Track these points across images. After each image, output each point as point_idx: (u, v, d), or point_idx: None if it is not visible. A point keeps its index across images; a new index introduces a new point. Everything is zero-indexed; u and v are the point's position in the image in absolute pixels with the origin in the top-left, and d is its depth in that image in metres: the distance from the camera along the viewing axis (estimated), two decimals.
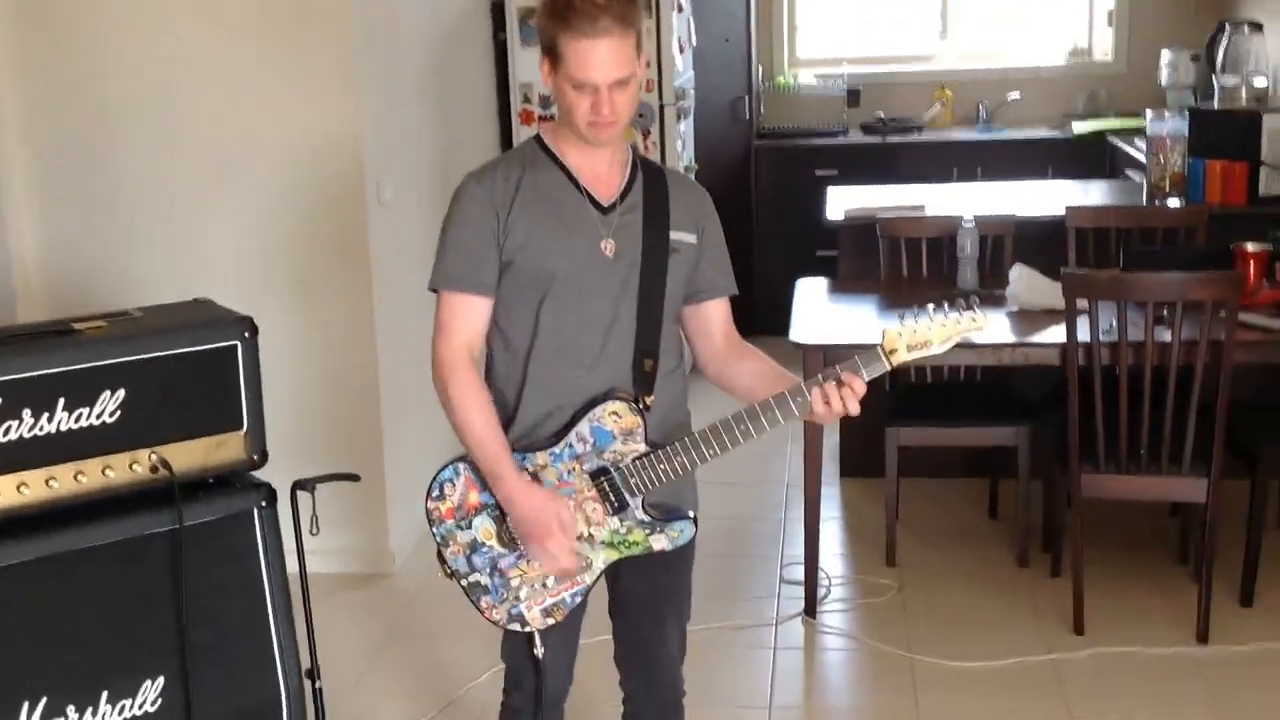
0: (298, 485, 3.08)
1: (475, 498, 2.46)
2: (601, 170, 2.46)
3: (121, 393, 2.47)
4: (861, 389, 2.35)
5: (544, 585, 2.46)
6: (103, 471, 2.47)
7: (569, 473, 2.43)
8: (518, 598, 2.47)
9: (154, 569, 2.52)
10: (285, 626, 2.67)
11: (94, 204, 4.23)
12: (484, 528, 2.46)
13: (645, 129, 5.71)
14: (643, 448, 2.42)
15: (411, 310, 4.61)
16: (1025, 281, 4.07)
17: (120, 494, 2.50)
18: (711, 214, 2.57)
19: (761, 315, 5.91)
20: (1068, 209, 4.55)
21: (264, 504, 2.63)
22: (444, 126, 5.11)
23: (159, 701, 2.53)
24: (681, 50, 5.98)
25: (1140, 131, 6.23)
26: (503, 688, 2.68)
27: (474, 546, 2.47)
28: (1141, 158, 5.78)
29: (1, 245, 4.18)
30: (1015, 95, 7.07)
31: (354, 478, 3.14)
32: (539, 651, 2.51)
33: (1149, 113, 4.90)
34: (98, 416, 2.46)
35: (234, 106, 4.13)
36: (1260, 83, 4.82)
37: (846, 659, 3.87)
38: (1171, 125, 4.65)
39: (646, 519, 2.45)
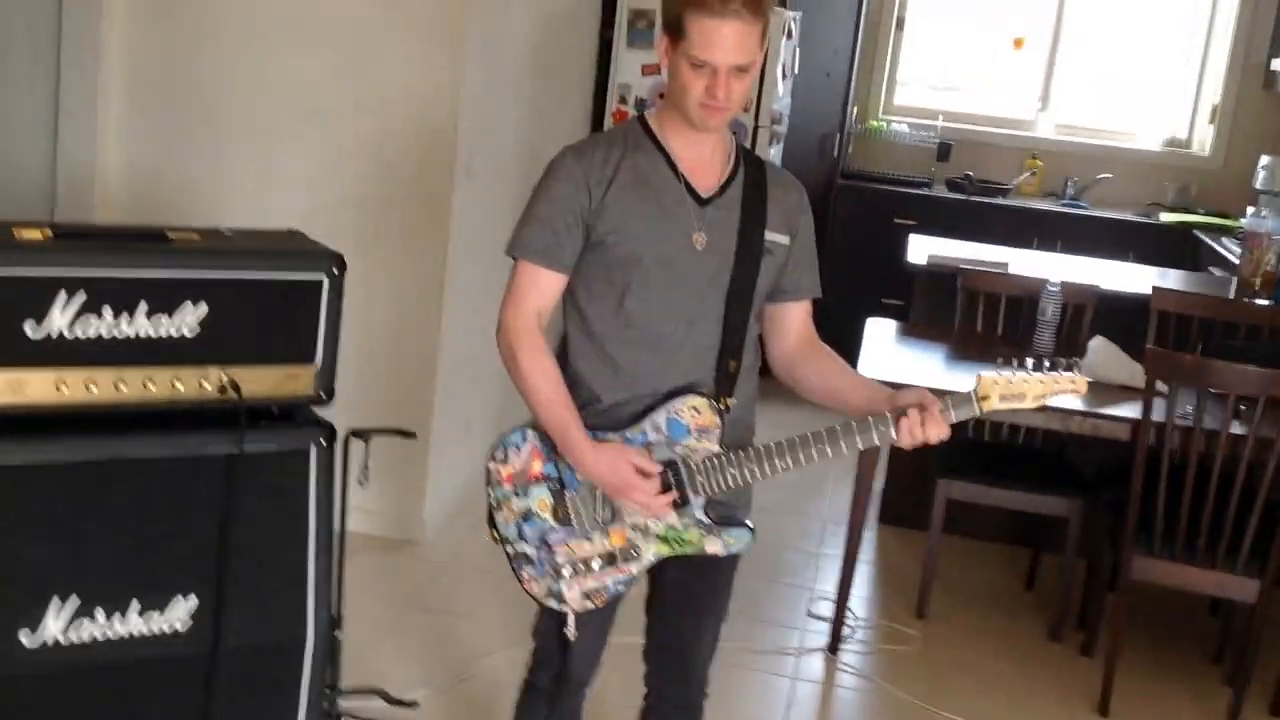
0: (354, 433, 3.07)
1: (538, 467, 2.42)
2: (704, 159, 2.42)
3: (204, 308, 2.45)
4: (946, 429, 2.31)
5: (589, 567, 2.42)
6: (172, 383, 2.45)
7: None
8: (560, 575, 2.43)
9: (204, 490, 2.50)
10: (323, 569, 2.63)
11: (185, 128, 4.24)
12: (540, 499, 2.42)
13: None
14: (715, 448, 2.38)
15: (481, 283, 4.63)
16: (1104, 354, 4.02)
17: (184, 409, 2.48)
18: (807, 212, 2.52)
19: None
20: (1154, 289, 4.48)
21: (323, 442, 2.60)
22: (539, 113, 5.11)
23: (189, 622, 2.50)
24: (784, 76, 5.96)
25: (1229, 231, 6.19)
26: (528, 664, 2.64)
27: (527, 516, 2.43)
28: (1230, 256, 5.74)
29: (88, 155, 4.19)
30: (1107, 175, 7.00)
31: (410, 435, 3.13)
32: (570, 633, 2.47)
33: (1249, 208, 4.84)
34: (176, 328, 2.44)
35: (339, 52, 4.13)
36: None
37: (864, 700, 3.80)
38: (1271, 223, 4.59)
39: (705, 520, 2.41)
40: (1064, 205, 6.93)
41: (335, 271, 2.56)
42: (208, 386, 2.48)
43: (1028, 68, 7.34)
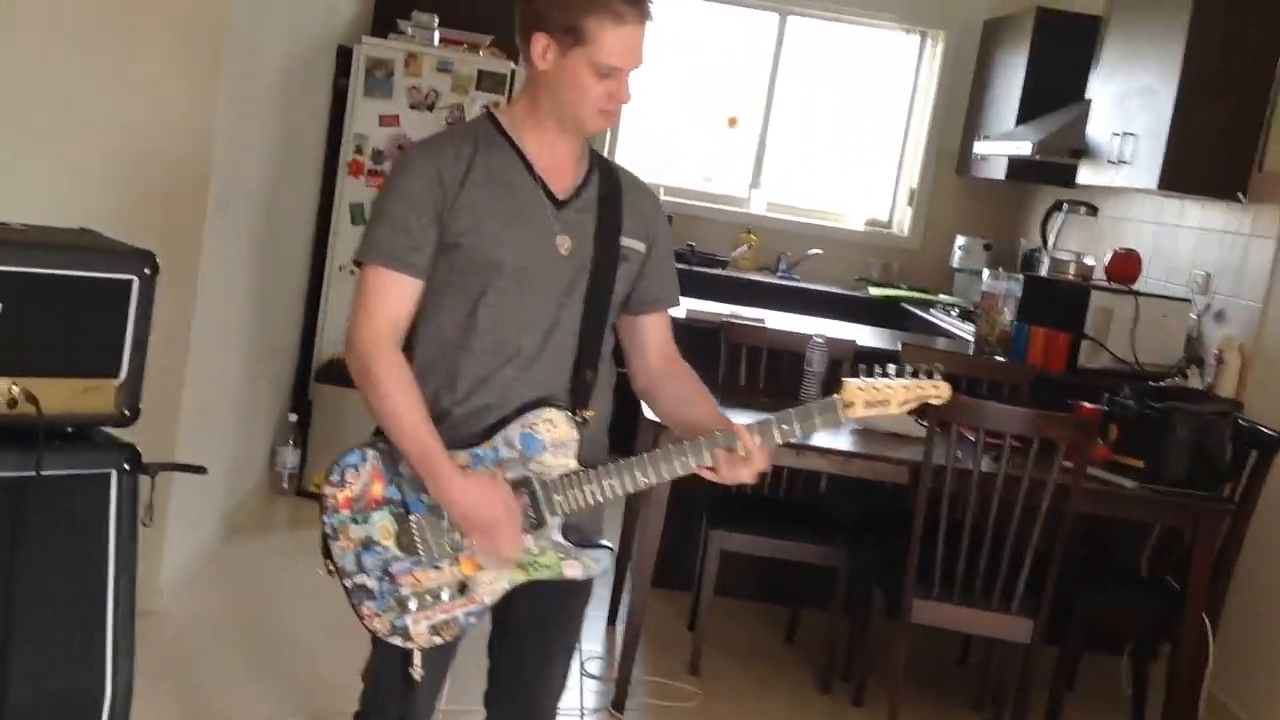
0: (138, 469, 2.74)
1: (379, 490, 2.21)
2: (560, 160, 2.30)
3: None
4: (763, 464, 2.24)
5: (437, 599, 2.21)
6: None
7: None
8: (405, 609, 2.21)
9: None
10: (125, 615, 2.31)
11: None
12: (382, 525, 2.21)
13: None
14: (572, 464, 2.24)
15: (229, 321, 4.32)
16: None
17: None
18: (663, 222, 2.44)
19: None
20: (904, 345, 4.64)
21: (126, 467, 2.29)
22: (282, 161, 4.84)
23: None
24: None
25: (932, 304, 6.55)
26: (355, 712, 2.38)
27: (367, 544, 2.21)
28: (942, 324, 6.06)
29: None
30: (817, 251, 7.27)
31: (201, 470, 2.81)
32: (417, 673, 2.24)
33: (986, 271, 5.10)
34: None
35: (90, 70, 3.76)
36: (1090, 261, 5.09)
37: None
38: (1005, 285, 4.83)
39: (562, 542, 2.25)
40: (778, 278, 7.14)
41: (147, 272, 2.28)
42: None
43: (741, 147, 7.56)
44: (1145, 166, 4.83)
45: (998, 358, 4.77)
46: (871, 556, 4.15)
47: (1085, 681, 4.48)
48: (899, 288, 7.14)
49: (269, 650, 3.85)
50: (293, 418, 5.47)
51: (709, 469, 2.21)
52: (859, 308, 6.83)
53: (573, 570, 2.27)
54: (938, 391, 2.30)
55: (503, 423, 2.23)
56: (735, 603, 4.81)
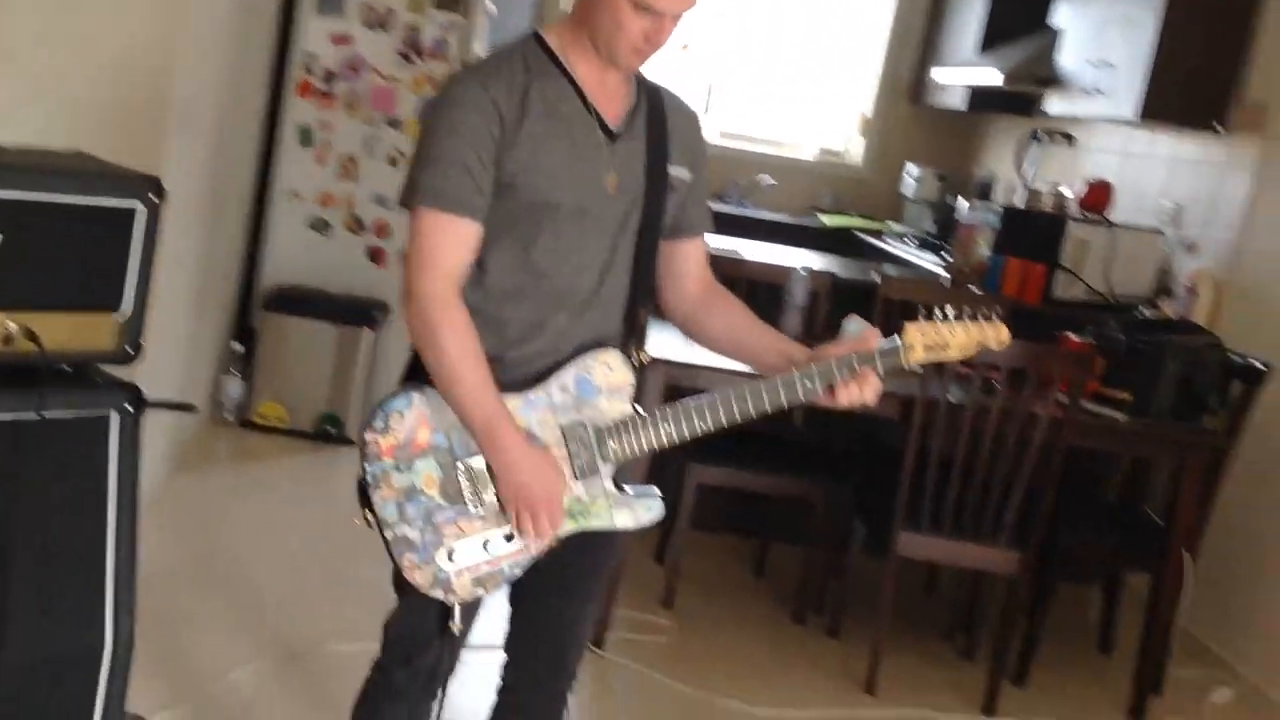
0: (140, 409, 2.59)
1: (425, 437, 2.08)
2: (611, 87, 2.16)
3: None
4: (876, 382, 2.15)
5: (484, 548, 2.10)
6: None
7: (540, 424, 2.11)
8: (449, 559, 2.10)
9: None
10: (126, 563, 2.17)
11: None
12: (427, 473, 2.08)
13: None
14: (627, 409, 2.14)
15: (180, 255, 4.15)
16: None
17: None
18: (703, 144, 2.32)
19: None
20: (883, 278, 4.57)
21: (128, 408, 2.14)
22: (227, 81, 4.62)
23: None
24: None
25: (883, 232, 6.52)
26: (376, 661, 2.28)
27: (409, 493, 2.08)
28: (898, 253, 6.02)
29: None
30: (770, 180, 7.17)
31: (191, 408, 2.67)
32: (456, 627, 2.14)
33: (962, 201, 5.04)
34: None
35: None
36: (1067, 192, 5.05)
37: (640, 692, 3.60)
38: (981, 216, 4.77)
39: (613, 490, 2.15)
40: (731, 206, 7.04)
41: (154, 199, 2.11)
42: None
43: (693, 73, 7.41)
44: (1124, 96, 4.78)
45: (972, 288, 4.73)
46: (854, 490, 4.10)
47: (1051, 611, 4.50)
48: (850, 215, 7.08)
49: (227, 590, 3.71)
50: (237, 347, 5.29)
51: (828, 393, 2.11)
52: (811, 236, 6.77)
53: (624, 519, 2.18)
54: (998, 334, 2.20)
55: (557, 366, 2.12)
56: (699, 535, 4.75)
